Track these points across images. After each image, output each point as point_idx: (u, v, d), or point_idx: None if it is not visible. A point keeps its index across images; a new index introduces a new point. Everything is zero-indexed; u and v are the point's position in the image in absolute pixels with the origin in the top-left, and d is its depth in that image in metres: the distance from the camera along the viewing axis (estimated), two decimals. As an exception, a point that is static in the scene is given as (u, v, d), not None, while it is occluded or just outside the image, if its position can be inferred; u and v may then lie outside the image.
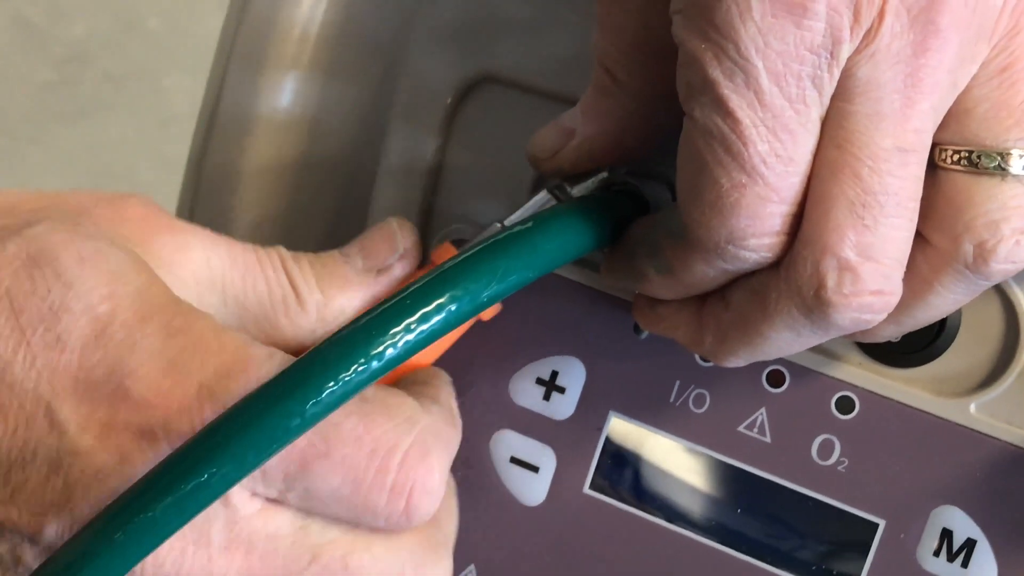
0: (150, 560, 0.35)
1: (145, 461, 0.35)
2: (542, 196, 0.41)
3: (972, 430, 0.41)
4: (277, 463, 0.36)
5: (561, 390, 0.45)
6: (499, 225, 0.40)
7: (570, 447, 0.44)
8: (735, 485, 0.43)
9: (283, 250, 0.41)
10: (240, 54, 0.48)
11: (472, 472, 0.45)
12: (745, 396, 0.43)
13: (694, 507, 0.44)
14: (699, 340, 0.40)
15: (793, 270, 0.36)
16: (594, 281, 0.44)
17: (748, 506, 0.43)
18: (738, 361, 0.39)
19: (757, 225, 0.35)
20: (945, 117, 0.36)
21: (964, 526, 0.41)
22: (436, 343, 0.36)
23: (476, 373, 0.42)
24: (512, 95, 0.45)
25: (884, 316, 0.36)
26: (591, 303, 0.44)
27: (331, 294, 0.40)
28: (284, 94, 0.48)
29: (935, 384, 0.42)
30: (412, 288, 0.36)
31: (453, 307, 0.36)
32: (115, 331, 0.36)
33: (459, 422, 0.41)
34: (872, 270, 0.35)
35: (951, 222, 0.36)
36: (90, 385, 0.36)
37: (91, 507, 0.35)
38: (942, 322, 0.41)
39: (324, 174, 0.49)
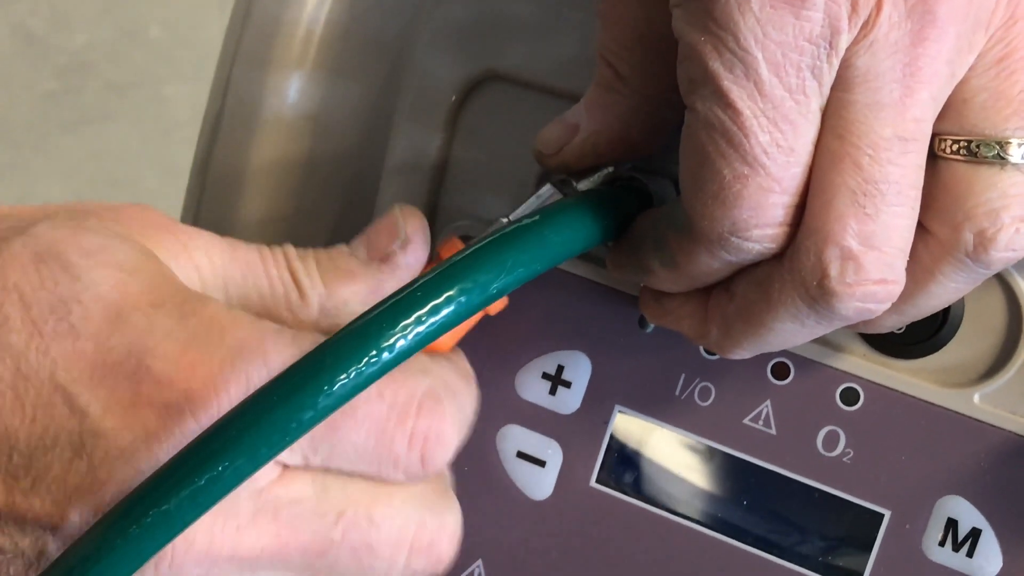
0: (180, 540, 0.35)
1: (172, 438, 0.36)
2: (546, 190, 0.41)
3: (976, 420, 0.41)
4: None
5: (567, 384, 0.45)
6: (505, 221, 0.40)
7: (576, 441, 0.44)
8: (741, 477, 0.43)
9: (291, 248, 0.41)
10: (245, 54, 0.48)
11: (479, 467, 0.45)
12: (750, 389, 0.43)
13: (700, 500, 0.44)
14: (704, 332, 0.40)
15: (796, 260, 0.36)
16: (599, 276, 0.44)
17: (754, 498, 0.43)
18: (743, 353, 0.40)
19: (760, 216, 0.36)
20: (944, 107, 0.36)
21: (969, 516, 0.41)
22: (444, 336, 0.36)
23: (482, 368, 0.42)
24: (517, 93, 0.45)
25: (888, 305, 0.36)
26: (596, 298, 0.44)
27: (334, 287, 0.40)
28: (289, 93, 0.48)
29: (939, 375, 0.42)
30: (422, 280, 0.36)
31: (463, 299, 0.36)
32: (129, 315, 0.37)
33: (473, 379, 0.41)
34: (875, 259, 0.35)
35: (951, 211, 0.36)
36: (109, 368, 0.36)
37: (117, 489, 0.35)
38: (945, 313, 0.41)
39: (330, 172, 0.49)
